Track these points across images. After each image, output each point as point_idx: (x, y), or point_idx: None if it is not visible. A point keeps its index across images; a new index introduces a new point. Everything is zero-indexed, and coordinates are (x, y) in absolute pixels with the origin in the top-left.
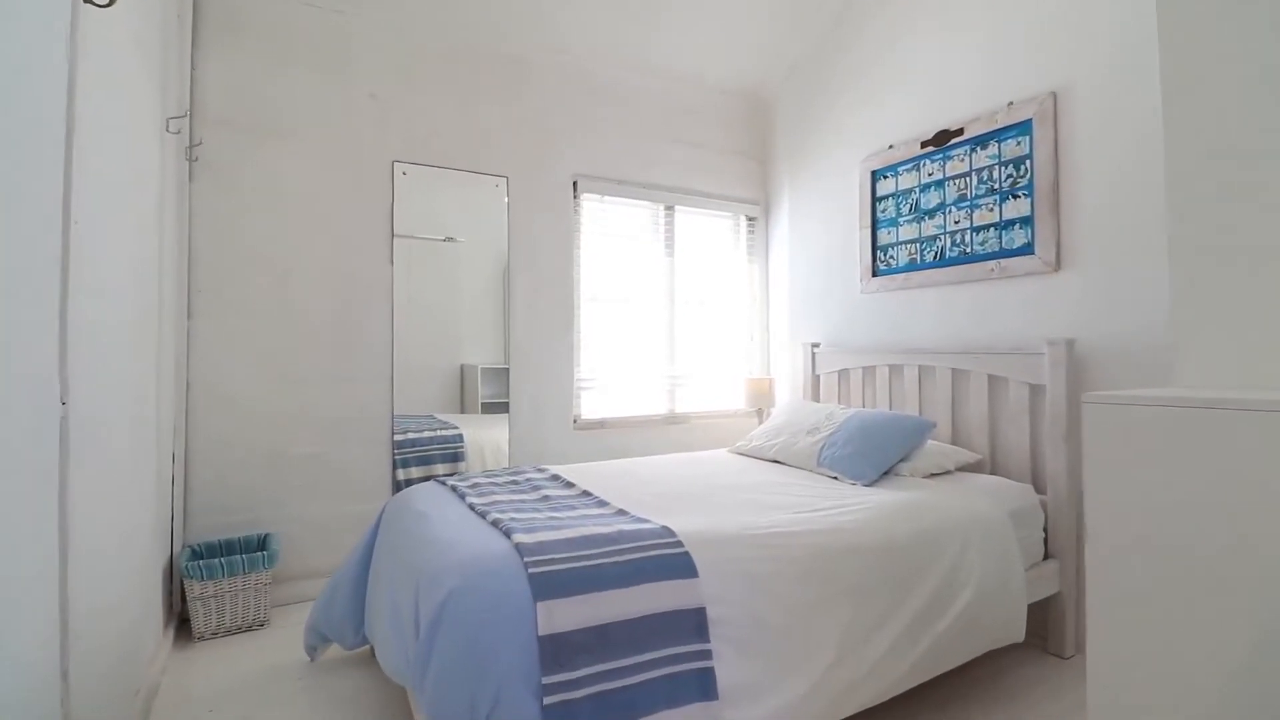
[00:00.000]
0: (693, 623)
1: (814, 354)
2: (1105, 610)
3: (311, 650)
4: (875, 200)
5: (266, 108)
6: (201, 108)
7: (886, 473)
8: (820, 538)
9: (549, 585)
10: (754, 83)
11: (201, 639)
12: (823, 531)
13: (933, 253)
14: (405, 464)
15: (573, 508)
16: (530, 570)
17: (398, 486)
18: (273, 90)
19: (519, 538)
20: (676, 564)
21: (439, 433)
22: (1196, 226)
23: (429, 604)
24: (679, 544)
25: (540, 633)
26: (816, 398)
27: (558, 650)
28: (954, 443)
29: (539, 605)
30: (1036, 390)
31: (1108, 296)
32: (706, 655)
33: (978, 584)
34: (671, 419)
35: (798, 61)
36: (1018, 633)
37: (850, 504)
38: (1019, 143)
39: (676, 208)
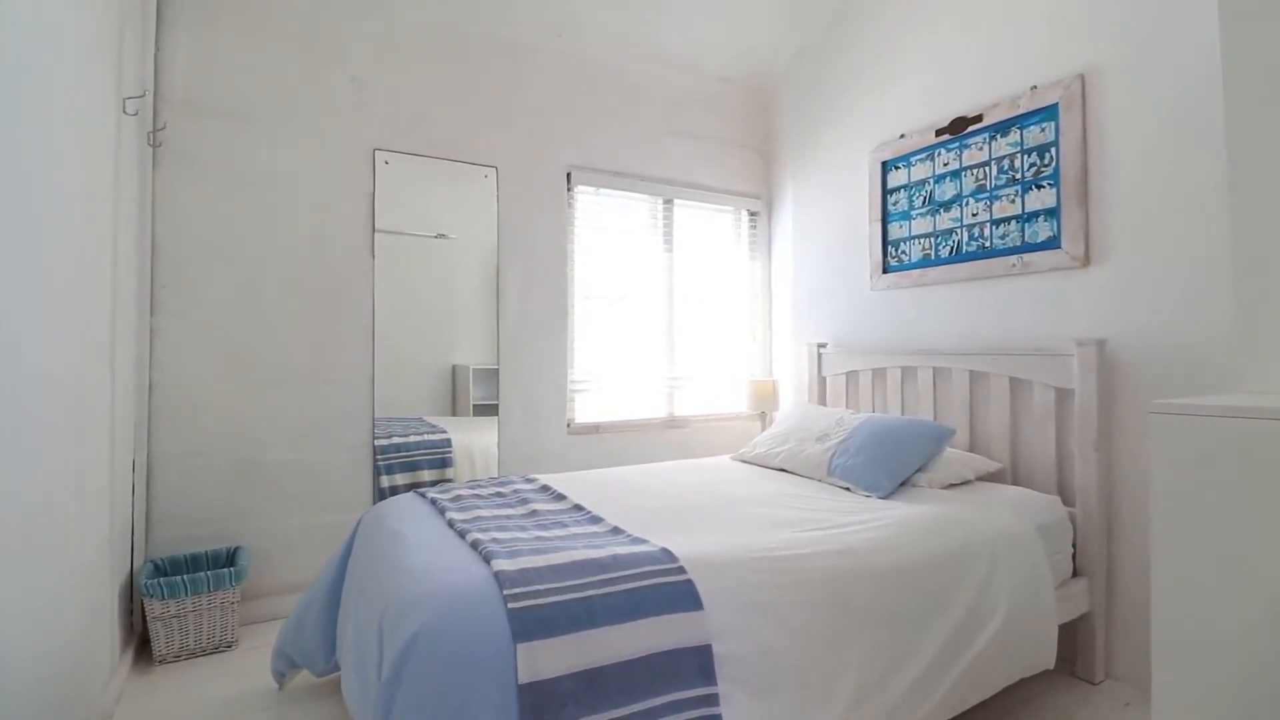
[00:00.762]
0: (697, 662)
1: (820, 355)
2: (1173, 638)
3: (279, 677)
4: (886, 193)
5: (238, 90)
6: (167, 89)
7: (903, 484)
8: (837, 560)
9: (531, 623)
10: (757, 71)
11: (163, 662)
12: (840, 553)
13: (948, 247)
14: (389, 470)
15: (563, 525)
16: (510, 605)
17: (381, 494)
18: (245, 71)
19: (499, 564)
20: (678, 594)
21: (426, 437)
22: (1262, 228)
23: (392, 645)
24: (681, 570)
25: (520, 681)
26: (823, 401)
27: (541, 701)
28: (971, 450)
29: (519, 647)
30: (1063, 394)
31: (1142, 293)
32: (713, 700)
33: (1007, 606)
34: (670, 422)
35: (803, 48)
36: (1048, 659)
37: (867, 520)
38: (1043, 129)
39: (676, 201)
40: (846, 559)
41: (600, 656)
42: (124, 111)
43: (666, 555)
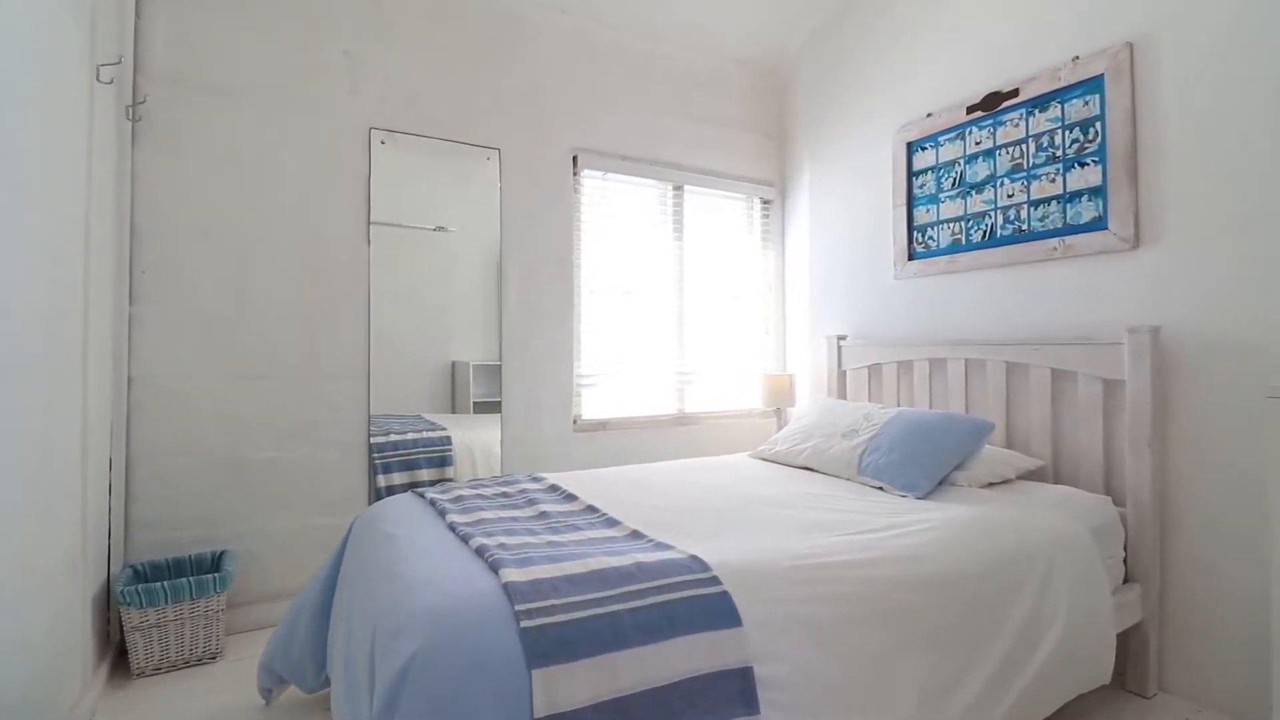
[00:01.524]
0: (737, 687)
1: (840, 347)
2: None
3: (266, 693)
4: (911, 175)
5: (225, 63)
6: (147, 60)
7: (940, 483)
8: (884, 568)
9: (548, 644)
10: (770, 50)
11: (141, 675)
12: (886, 560)
13: (981, 231)
14: (387, 469)
15: (576, 528)
16: (523, 623)
17: (378, 494)
18: (233, 42)
19: (509, 574)
20: (714, 608)
21: (425, 434)
22: None
23: (386, 669)
24: (714, 580)
25: (537, 714)
26: (843, 396)
27: None
28: (1009, 446)
29: (535, 674)
30: (1112, 386)
31: (1198, 276)
32: None
33: (1066, 617)
34: (681, 419)
35: (820, 25)
36: (1105, 672)
37: (909, 522)
38: (1087, 102)
39: (686, 188)
40: (894, 567)
41: (629, 683)
42: (98, 79)
43: (697, 564)
